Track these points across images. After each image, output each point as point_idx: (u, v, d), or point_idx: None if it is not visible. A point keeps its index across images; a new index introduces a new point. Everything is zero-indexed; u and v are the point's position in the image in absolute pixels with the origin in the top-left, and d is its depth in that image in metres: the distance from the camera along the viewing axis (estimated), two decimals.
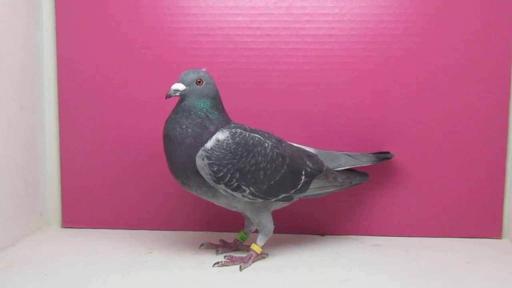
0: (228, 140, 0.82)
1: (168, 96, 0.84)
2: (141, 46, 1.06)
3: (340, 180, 0.94)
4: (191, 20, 1.05)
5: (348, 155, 0.98)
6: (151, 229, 1.09)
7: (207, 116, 0.83)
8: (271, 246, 0.97)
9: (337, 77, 1.04)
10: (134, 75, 1.06)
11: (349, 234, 1.07)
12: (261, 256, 0.91)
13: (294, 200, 0.91)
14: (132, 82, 1.07)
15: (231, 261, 0.88)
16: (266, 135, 0.89)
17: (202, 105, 0.83)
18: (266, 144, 0.85)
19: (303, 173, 0.88)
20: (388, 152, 1.01)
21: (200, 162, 0.80)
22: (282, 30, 1.04)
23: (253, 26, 1.04)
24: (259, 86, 1.05)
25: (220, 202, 0.86)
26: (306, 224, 1.06)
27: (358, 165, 0.97)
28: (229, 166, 0.80)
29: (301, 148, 0.94)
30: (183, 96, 0.84)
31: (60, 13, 1.06)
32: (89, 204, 1.10)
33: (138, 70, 1.06)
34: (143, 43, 1.05)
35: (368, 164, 0.98)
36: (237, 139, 0.82)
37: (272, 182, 0.84)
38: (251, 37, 1.04)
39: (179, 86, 0.83)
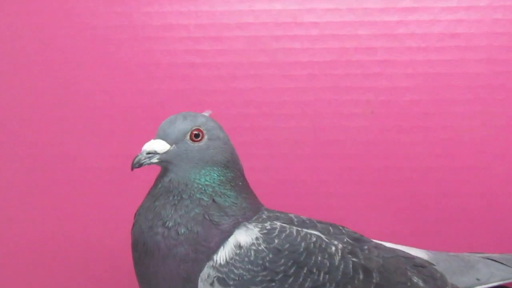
0: (259, 244, 0.78)
1: (137, 165, 0.78)
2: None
3: None
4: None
5: (494, 260, 0.91)
6: None
7: (214, 201, 0.79)
8: None
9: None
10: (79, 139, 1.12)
11: None
12: None
13: None
14: (73, 147, 1.12)
15: None
16: (330, 230, 0.84)
17: (204, 180, 0.80)
18: (333, 248, 0.80)
19: None
20: None
21: None
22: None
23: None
24: (318, 146, 1.12)
25: None
26: None
27: None
28: None
29: (400, 251, 0.88)
30: (165, 164, 0.80)
31: None
32: None
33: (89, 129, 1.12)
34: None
35: None
36: (276, 241, 0.78)
37: None
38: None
39: (158, 145, 0.79)
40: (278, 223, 0.80)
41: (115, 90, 1.15)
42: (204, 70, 1.15)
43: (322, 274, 0.78)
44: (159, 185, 0.80)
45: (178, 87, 1.15)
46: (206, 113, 0.84)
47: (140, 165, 0.78)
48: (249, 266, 0.76)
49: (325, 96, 1.15)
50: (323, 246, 0.80)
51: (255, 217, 0.81)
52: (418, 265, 0.86)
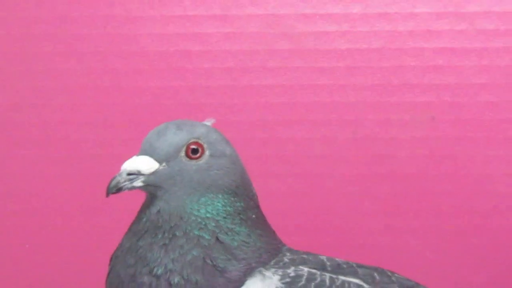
0: None
1: (114, 190, 0.77)
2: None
3: None
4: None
5: None
6: None
7: (218, 240, 0.78)
8: None
9: None
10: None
11: None
12: None
13: None
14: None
15: None
16: (376, 277, 0.83)
17: (204, 211, 0.80)
18: None
19: None
20: None
21: None
22: None
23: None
24: (360, 164, 1.15)
25: None
26: None
27: None
28: None
29: None
30: (153, 189, 0.79)
31: None
32: None
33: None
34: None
35: None
36: None
37: None
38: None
39: (143, 164, 0.78)
40: (305, 269, 0.79)
41: (83, 89, 1.16)
42: (206, 61, 1.14)
43: None
44: (144, 219, 0.79)
45: (169, 86, 1.15)
46: (208, 122, 0.84)
47: (119, 190, 0.77)
48: None
49: (369, 96, 1.14)
50: None
51: (274, 261, 0.80)
52: None
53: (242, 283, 0.77)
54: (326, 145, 1.15)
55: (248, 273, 0.78)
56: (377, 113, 1.15)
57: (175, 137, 0.80)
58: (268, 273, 0.78)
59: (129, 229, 0.81)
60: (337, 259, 0.84)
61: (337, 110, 1.15)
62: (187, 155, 0.79)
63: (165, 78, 1.15)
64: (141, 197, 0.84)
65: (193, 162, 0.79)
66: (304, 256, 0.82)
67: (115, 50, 1.16)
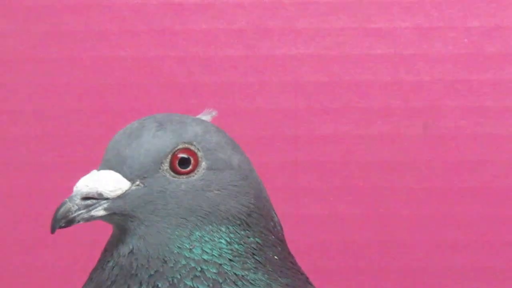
0: None
1: (64, 223, 0.78)
2: None
3: None
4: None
5: None
6: None
7: None
8: None
9: None
10: None
11: None
12: None
13: None
14: None
15: None
16: None
17: (199, 251, 0.82)
18: None
19: None
20: None
21: None
22: None
23: None
24: (435, 171, 1.19)
25: None
26: None
27: None
28: None
29: None
30: (122, 220, 0.81)
31: None
32: None
33: None
34: None
35: None
36: None
37: None
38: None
39: (106, 182, 0.80)
40: None
41: (22, 64, 1.16)
42: (204, 20, 1.12)
43: None
44: (110, 263, 0.79)
45: (150, 58, 1.14)
46: (205, 116, 0.85)
47: (69, 222, 0.76)
48: None
49: (450, 72, 1.14)
50: None
51: None
52: None
53: None
54: (385, 146, 1.14)
55: None
56: (461, 98, 1.13)
57: (155, 142, 0.80)
58: None
59: (89, 279, 0.81)
60: None
61: (400, 93, 1.14)
62: (173, 168, 0.79)
63: (143, 46, 1.14)
64: (108, 226, 0.83)
65: (183, 178, 0.79)
66: None
67: (69, 5, 1.15)
